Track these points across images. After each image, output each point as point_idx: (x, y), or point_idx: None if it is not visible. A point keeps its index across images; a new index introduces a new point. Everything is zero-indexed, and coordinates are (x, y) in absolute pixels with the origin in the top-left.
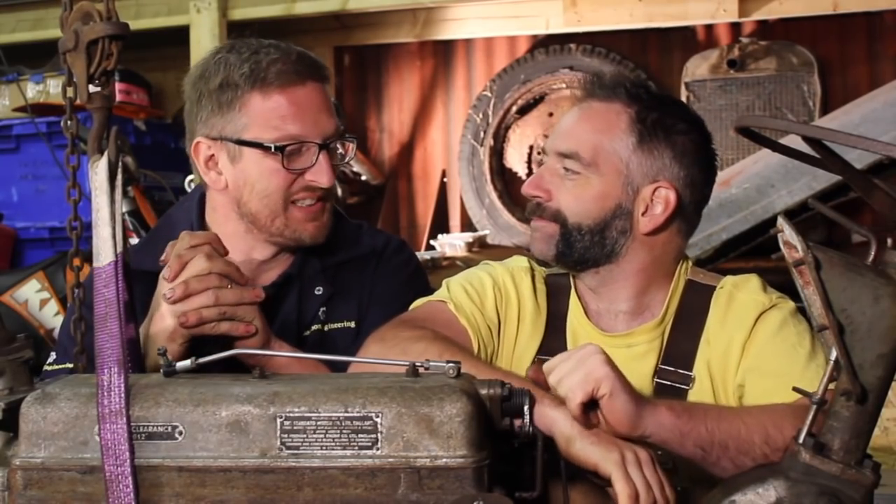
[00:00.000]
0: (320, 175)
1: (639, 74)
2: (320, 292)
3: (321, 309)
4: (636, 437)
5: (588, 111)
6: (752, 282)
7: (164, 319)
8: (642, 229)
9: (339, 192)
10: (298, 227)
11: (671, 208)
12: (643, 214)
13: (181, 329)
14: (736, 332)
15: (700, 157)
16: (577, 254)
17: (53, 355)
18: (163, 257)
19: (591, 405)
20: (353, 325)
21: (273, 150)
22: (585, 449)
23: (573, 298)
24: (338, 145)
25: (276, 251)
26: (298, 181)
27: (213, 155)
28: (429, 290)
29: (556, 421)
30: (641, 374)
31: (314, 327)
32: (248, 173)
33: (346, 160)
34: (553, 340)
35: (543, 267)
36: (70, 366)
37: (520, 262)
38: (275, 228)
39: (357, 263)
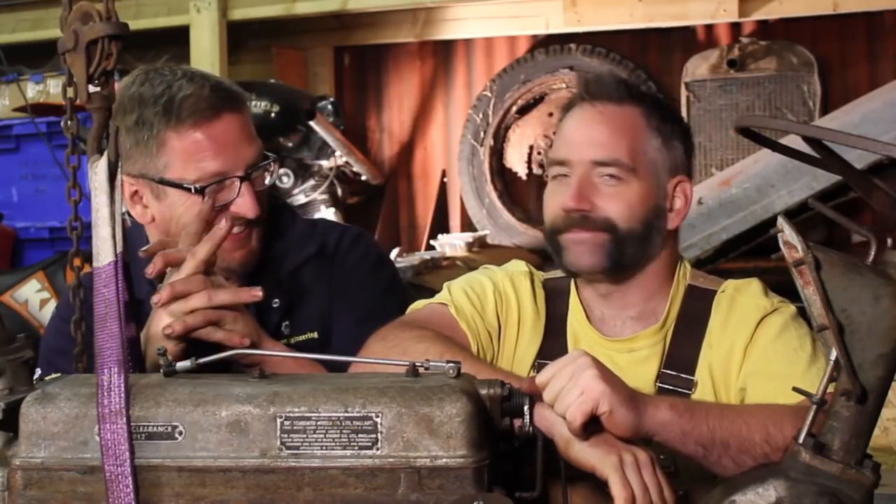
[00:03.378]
0: (244, 207)
1: (639, 74)
2: (277, 304)
3: (284, 323)
4: (639, 437)
5: (605, 115)
6: (753, 285)
7: (158, 326)
8: (670, 225)
9: (339, 192)
10: (227, 256)
11: (689, 201)
12: (670, 211)
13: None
14: (738, 336)
15: (690, 150)
16: (627, 260)
17: (39, 371)
18: (149, 269)
19: (591, 419)
20: (315, 335)
21: (193, 191)
22: (583, 451)
23: (573, 302)
24: (266, 172)
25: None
26: (222, 214)
27: (136, 191)
28: (395, 279)
29: (555, 423)
30: (644, 378)
31: (281, 343)
32: (173, 209)
33: (271, 181)
34: (552, 344)
35: (541, 271)
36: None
37: (519, 266)
38: None
39: (311, 266)
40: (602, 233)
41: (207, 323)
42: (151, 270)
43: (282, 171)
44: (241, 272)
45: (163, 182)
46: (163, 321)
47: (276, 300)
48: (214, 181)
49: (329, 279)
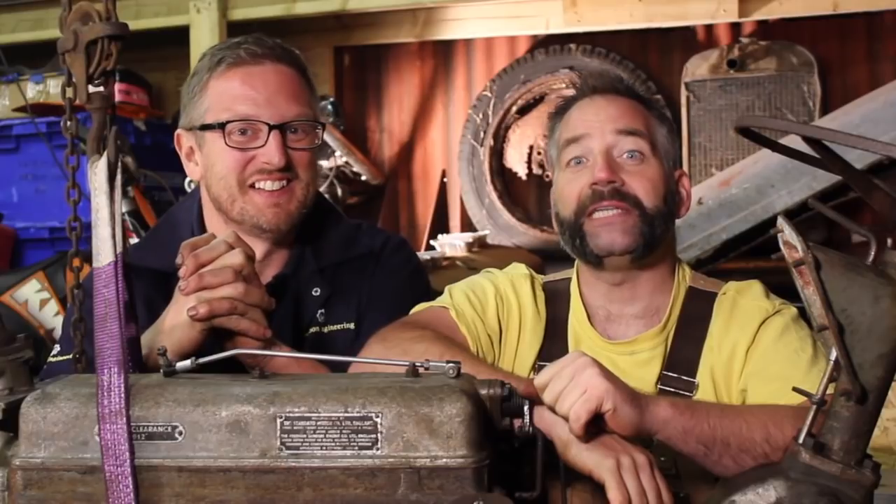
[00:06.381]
0: (268, 155)
1: (639, 74)
2: (318, 293)
3: (320, 311)
4: (642, 436)
5: (614, 101)
6: (754, 287)
7: (181, 313)
8: (679, 214)
9: (339, 192)
10: (257, 212)
11: (690, 195)
12: (678, 200)
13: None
14: (740, 338)
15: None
16: (657, 240)
17: (57, 347)
18: (178, 260)
19: (593, 418)
20: (352, 326)
21: (216, 127)
22: (581, 454)
23: (574, 304)
24: (305, 135)
25: (267, 249)
26: (252, 163)
27: (191, 146)
28: (428, 290)
29: (554, 424)
30: (645, 380)
31: (312, 329)
32: (210, 157)
33: (313, 146)
34: (553, 346)
35: (541, 275)
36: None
37: (519, 269)
38: (235, 213)
39: (355, 264)
40: (633, 210)
41: (232, 311)
42: (180, 264)
43: None
44: (269, 230)
45: (201, 127)
46: (189, 303)
47: (317, 289)
48: (236, 121)
49: (371, 278)
